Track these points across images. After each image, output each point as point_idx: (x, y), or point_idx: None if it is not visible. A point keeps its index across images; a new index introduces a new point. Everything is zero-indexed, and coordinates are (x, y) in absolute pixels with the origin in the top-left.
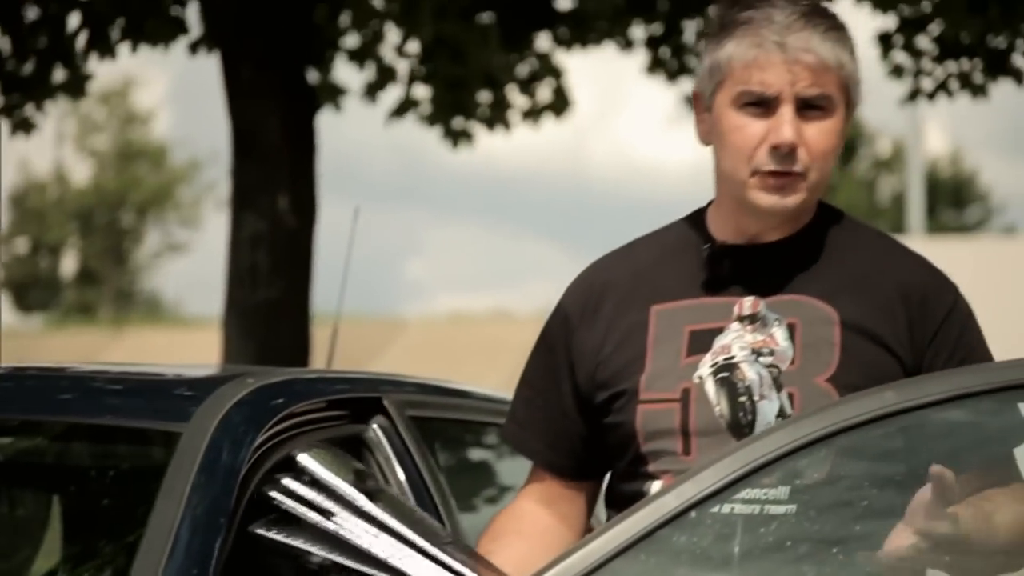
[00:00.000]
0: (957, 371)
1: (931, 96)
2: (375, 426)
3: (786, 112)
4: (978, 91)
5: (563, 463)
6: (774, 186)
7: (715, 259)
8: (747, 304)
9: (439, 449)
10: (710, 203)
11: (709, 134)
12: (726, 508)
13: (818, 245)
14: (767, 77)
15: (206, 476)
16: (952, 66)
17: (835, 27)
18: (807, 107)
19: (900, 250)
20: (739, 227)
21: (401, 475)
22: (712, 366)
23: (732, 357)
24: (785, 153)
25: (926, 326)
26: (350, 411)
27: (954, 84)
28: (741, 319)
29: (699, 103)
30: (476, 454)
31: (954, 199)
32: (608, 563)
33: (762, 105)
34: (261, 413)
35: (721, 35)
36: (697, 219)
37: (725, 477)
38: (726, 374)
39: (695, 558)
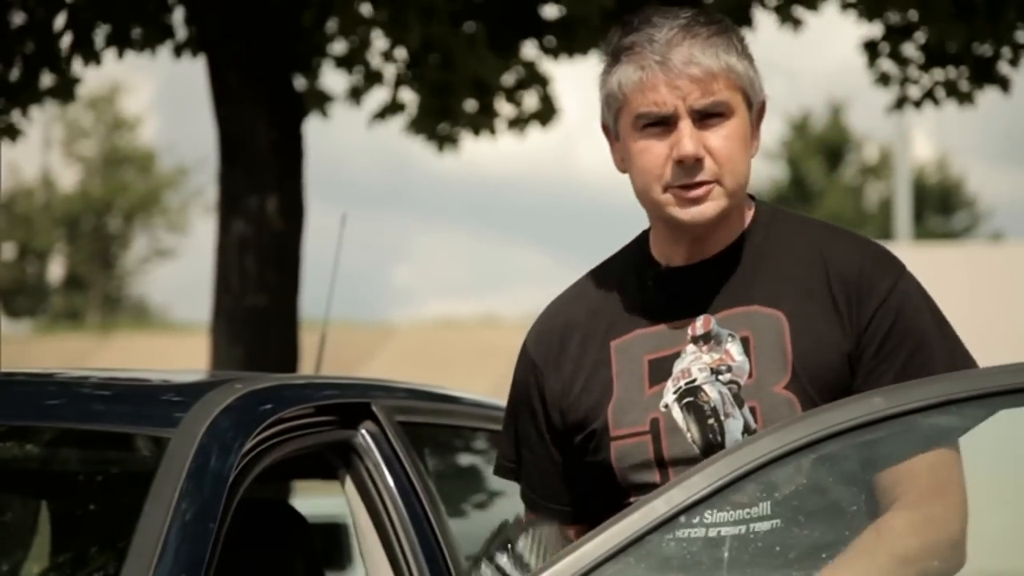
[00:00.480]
0: (945, 377)
1: (918, 104)
2: (364, 432)
3: (685, 127)
4: (964, 99)
5: (554, 508)
6: (687, 199)
7: (661, 284)
8: (699, 324)
9: (428, 455)
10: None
11: (623, 162)
12: (715, 513)
13: (757, 250)
14: (657, 97)
15: (194, 482)
16: (938, 74)
17: (718, 32)
18: (706, 116)
19: (841, 238)
20: (675, 248)
21: (390, 481)
22: (676, 392)
23: (693, 380)
24: (690, 165)
25: (862, 315)
26: (339, 417)
27: (940, 92)
28: (695, 340)
29: (608, 134)
30: (465, 459)
31: (941, 206)
32: (597, 568)
33: (662, 124)
34: (249, 419)
35: (610, 64)
36: (640, 245)
37: (714, 483)
38: (691, 398)
39: (684, 563)
